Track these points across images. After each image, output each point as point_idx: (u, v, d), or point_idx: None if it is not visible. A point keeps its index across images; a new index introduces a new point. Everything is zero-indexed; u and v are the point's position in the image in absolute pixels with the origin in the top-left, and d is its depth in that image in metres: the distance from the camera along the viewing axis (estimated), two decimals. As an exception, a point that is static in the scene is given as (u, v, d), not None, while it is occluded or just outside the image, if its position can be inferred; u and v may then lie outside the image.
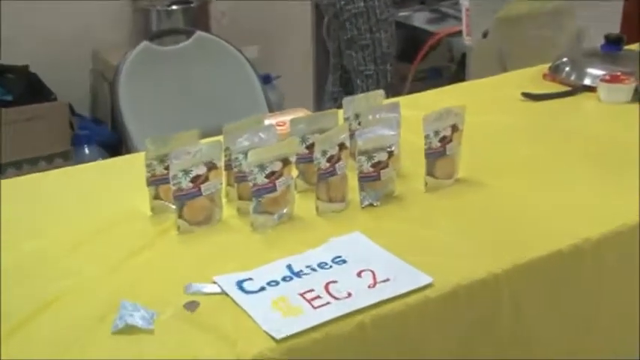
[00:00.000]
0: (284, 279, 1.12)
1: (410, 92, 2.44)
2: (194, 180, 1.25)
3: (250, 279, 1.12)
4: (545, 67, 2.05)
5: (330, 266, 1.15)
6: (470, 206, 1.36)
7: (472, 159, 1.48)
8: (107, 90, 3.09)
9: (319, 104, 3.63)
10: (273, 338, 1.01)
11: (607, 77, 1.87)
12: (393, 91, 3.04)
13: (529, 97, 1.88)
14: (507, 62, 2.78)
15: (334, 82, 3.27)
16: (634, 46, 2.13)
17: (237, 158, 1.30)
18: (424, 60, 3.54)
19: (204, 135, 1.40)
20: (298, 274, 1.13)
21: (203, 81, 2.43)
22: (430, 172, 1.40)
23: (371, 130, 1.34)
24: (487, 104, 1.85)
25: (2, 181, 1.44)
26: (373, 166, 1.32)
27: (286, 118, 1.56)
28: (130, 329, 1.02)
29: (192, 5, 3.31)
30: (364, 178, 1.33)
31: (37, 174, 1.53)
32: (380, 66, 3.04)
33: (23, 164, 2.97)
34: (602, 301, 1.29)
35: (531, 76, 2.04)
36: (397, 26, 3.14)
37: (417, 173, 1.41)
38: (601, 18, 2.58)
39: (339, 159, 1.31)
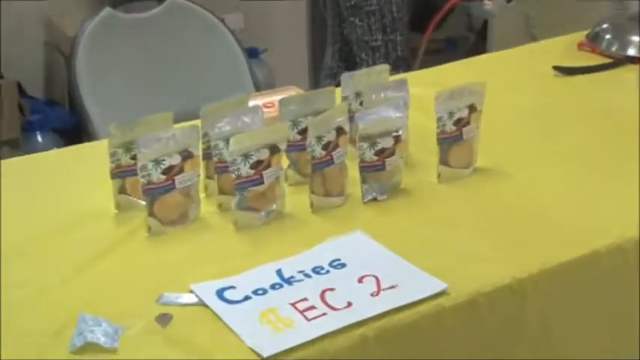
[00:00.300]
0: (272, 287, 1.13)
1: (421, 67, 2.45)
2: (167, 171, 1.27)
3: (233, 287, 1.13)
4: (581, 35, 2.06)
5: (327, 271, 1.17)
6: (491, 200, 1.37)
7: (493, 145, 1.49)
8: (63, 66, 3.09)
9: (315, 82, 3.63)
10: (259, 356, 1.02)
11: (655, 47, 1.88)
12: (403, 65, 3.05)
13: (562, 71, 1.89)
14: (536, 30, 2.80)
15: (333, 56, 3.27)
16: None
17: (217, 145, 1.31)
18: (438, 29, 3.54)
19: (179, 119, 1.41)
20: (289, 281, 1.14)
21: (177, 55, 2.43)
22: (444, 161, 1.41)
23: (374, 112, 1.35)
24: (511, 80, 1.86)
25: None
26: (377, 153, 1.34)
27: (275, 98, 1.57)
28: (90, 347, 1.03)
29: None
30: (366, 168, 1.35)
31: (-19, 166, 1.54)
32: (389, 35, 3.04)
33: (-36, 155, 2.98)
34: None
35: (565, 47, 2.05)
36: (407, -11, 3.15)
37: (429, 162, 1.42)
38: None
39: (336, 146, 1.33)
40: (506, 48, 2.13)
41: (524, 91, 1.80)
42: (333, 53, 3.26)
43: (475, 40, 3.70)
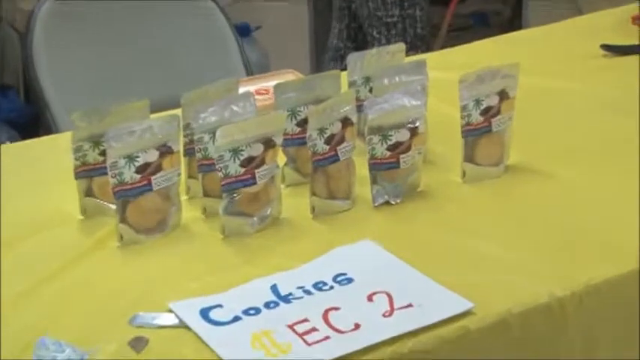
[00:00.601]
0: (267, 305, 1.14)
1: (444, 46, 2.47)
2: (142, 170, 1.28)
3: (220, 306, 1.14)
4: (635, 8, 2.07)
5: (331, 287, 1.18)
6: (525, 204, 1.38)
7: (528, 138, 1.50)
8: (17, 45, 3.10)
9: (317, 65, 3.64)
10: (251, 386, 1.03)
11: None
12: (423, 44, 3.05)
13: (612, 50, 1.90)
14: (582, 1, 2.81)
15: (339, 35, 3.28)
16: None
17: (201, 139, 1.32)
18: (465, 1, 3.55)
19: (156, 108, 1.42)
20: (286, 299, 1.16)
21: (155, 33, 2.44)
22: (469, 157, 1.42)
23: (387, 99, 1.36)
24: (551, 61, 1.87)
25: None
26: (390, 149, 1.35)
27: (270, 83, 1.58)
28: (53, 376, 1.04)
29: None
30: (377, 166, 1.36)
31: None
32: (407, 10, 3.04)
33: None
34: None
35: (615, 21, 2.05)
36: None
37: (452, 159, 1.44)
38: None
39: (342, 140, 1.34)
40: (545, 23, 2.14)
41: (566, 75, 1.81)
42: (340, 31, 3.27)
43: (510, 16, 3.71)
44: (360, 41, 3.18)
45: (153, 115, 1.37)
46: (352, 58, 1.51)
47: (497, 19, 3.80)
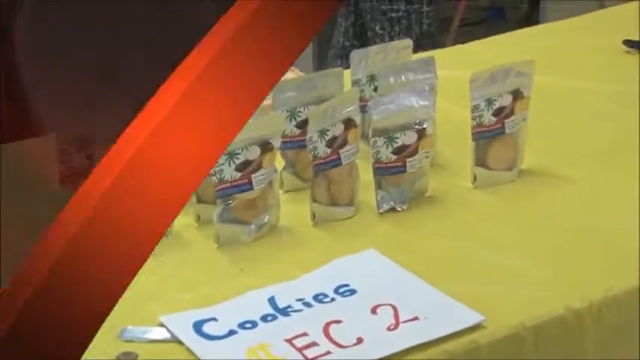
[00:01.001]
0: (264, 318, 1.16)
1: (457, 42, 2.47)
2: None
3: (214, 319, 1.16)
4: (660, 1, 2.08)
5: (332, 299, 1.20)
6: (540, 211, 1.40)
7: (544, 141, 1.52)
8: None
9: (320, 63, 3.64)
10: (247, 404, 1.06)
11: None
12: (430, 43, 3.06)
13: (635, 46, 1.91)
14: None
15: (345, 33, 3.27)
16: None
17: (193, 142, 1.34)
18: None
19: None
20: (285, 312, 1.17)
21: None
22: (481, 161, 1.44)
23: (392, 99, 1.37)
24: (570, 58, 1.88)
25: None
26: (396, 152, 1.36)
27: (267, 81, 1.59)
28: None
29: None
30: (382, 171, 1.37)
31: None
32: (414, 4, 3.04)
33: None
34: None
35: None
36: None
37: (462, 162, 1.45)
38: None
39: (344, 142, 1.35)
40: (565, 17, 2.15)
41: (585, 73, 1.83)
42: (346, 29, 3.25)
43: (527, 10, 3.71)
44: (366, 39, 3.17)
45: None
46: (356, 55, 1.52)
47: (514, 13, 3.80)
